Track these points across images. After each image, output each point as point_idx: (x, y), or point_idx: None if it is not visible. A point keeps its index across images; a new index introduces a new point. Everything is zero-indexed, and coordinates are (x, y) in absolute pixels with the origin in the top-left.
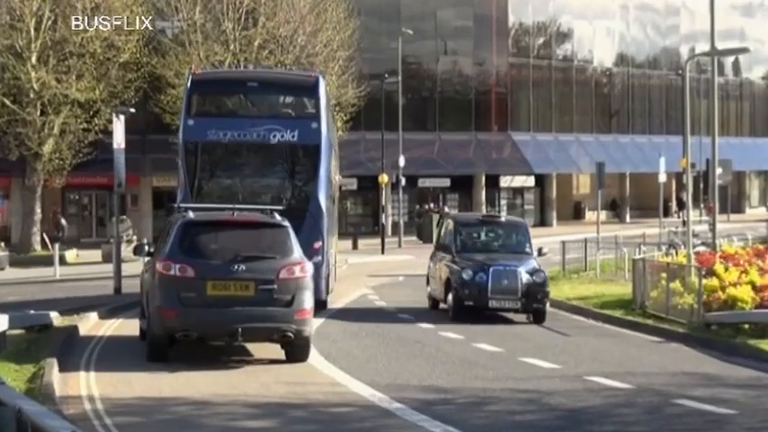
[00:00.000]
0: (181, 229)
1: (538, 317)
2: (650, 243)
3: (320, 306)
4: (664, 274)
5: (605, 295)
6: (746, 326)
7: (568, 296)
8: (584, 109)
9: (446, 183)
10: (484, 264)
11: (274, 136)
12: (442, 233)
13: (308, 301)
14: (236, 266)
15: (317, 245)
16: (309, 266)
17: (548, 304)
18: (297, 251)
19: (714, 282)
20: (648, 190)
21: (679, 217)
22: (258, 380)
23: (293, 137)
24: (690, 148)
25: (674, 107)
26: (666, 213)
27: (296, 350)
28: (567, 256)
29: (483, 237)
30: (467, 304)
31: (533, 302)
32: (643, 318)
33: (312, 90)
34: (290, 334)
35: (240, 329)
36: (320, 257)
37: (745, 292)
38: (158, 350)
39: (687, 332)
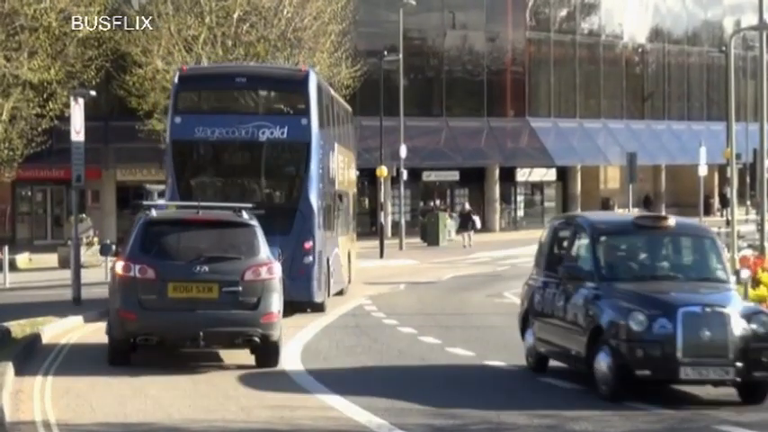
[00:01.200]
0: (142, 229)
1: (759, 392)
2: None
3: (317, 309)
4: None
5: None
6: None
7: None
8: (613, 92)
9: (454, 176)
10: (664, 302)
11: (263, 133)
12: (558, 244)
13: (275, 304)
14: (198, 267)
15: (308, 245)
16: (277, 267)
17: None
18: (264, 251)
19: (761, 291)
20: (687, 185)
21: (722, 216)
22: (238, 403)
23: (283, 134)
24: (734, 136)
25: (717, 89)
26: (708, 211)
27: (264, 355)
28: None
29: (643, 254)
30: (640, 374)
31: (755, 369)
32: None
33: (302, 85)
34: (256, 338)
35: (202, 333)
36: (311, 257)
37: None
38: (119, 354)
39: None
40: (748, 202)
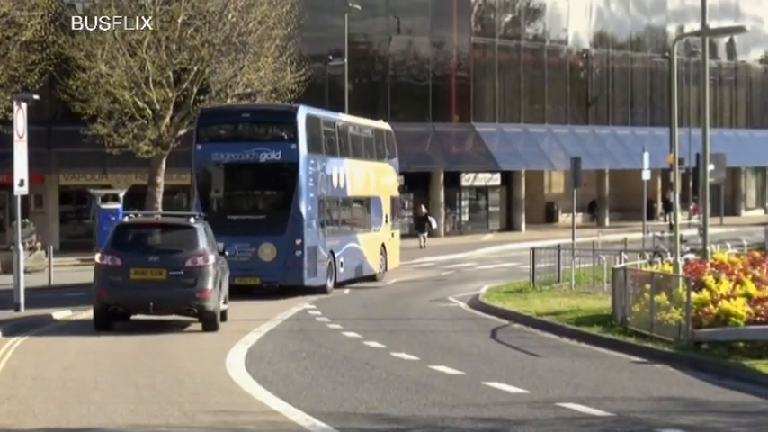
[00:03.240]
0: (114, 231)
1: None
2: (632, 250)
3: (320, 291)
4: (647, 286)
5: (581, 310)
6: (741, 344)
7: (539, 311)
8: (557, 97)
9: (400, 181)
10: None
11: (262, 156)
12: None
13: (209, 283)
14: (152, 257)
15: (298, 242)
16: (212, 257)
17: None
18: (202, 246)
19: (704, 294)
20: (631, 189)
21: (665, 220)
22: (182, 408)
23: (277, 156)
24: (678, 141)
25: (660, 95)
26: (651, 216)
27: (205, 321)
28: (537, 265)
29: None
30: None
31: None
32: (624, 335)
33: (292, 118)
34: (194, 308)
35: (152, 304)
36: (300, 252)
37: (739, 306)
38: (100, 321)
39: (674, 351)
40: (691, 207)
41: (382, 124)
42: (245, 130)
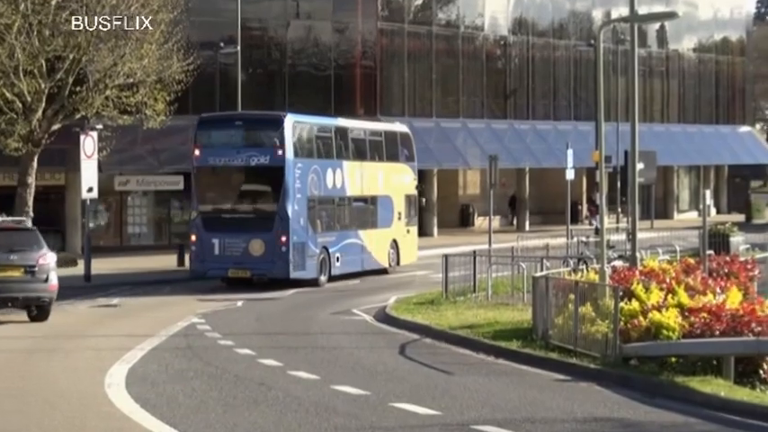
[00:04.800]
0: None
1: None
2: (555, 257)
3: (313, 284)
4: (571, 296)
5: (499, 323)
6: (673, 360)
7: (452, 324)
8: (472, 88)
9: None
10: None
11: (253, 160)
12: None
13: (56, 278)
14: (12, 256)
15: (284, 238)
16: (52, 256)
17: None
18: (45, 245)
19: (634, 305)
20: (553, 189)
21: (591, 224)
22: None
23: (266, 160)
24: (604, 137)
25: (585, 86)
26: (575, 219)
27: (46, 313)
28: (450, 274)
29: None
30: None
31: None
32: (545, 351)
33: (280, 125)
34: (46, 300)
35: (15, 298)
36: (286, 247)
37: (671, 318)
38: None
39: (600, 368)
40: (619, 210)
41: (398, 127)
42: (238, 136)
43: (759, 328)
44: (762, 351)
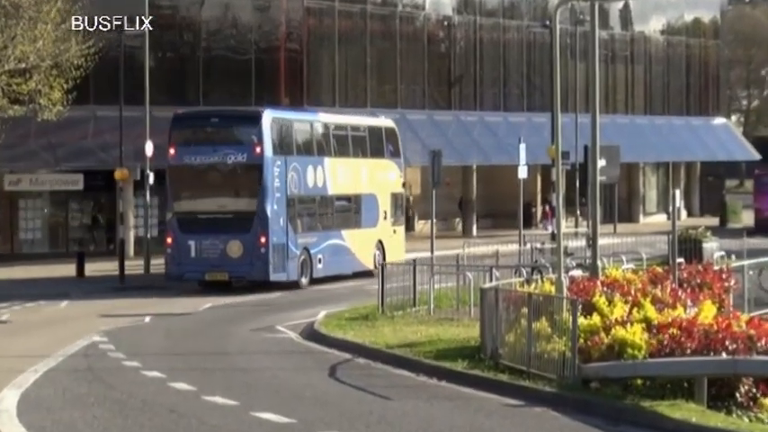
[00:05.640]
0: None
1: None
2: (506, 266)
3: (293, 287)
4: (524, 310)
5: (442, 341)
6: (639, 382)
7: (389, 342)
8: (412, 75)
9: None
10: None
11: (230, 158)
12: None
13: None
14: None
15: (263, 239)
16: None
17: None
18: None
19: (595, 320)
20: (504, 189)
21: (546, 228)
22: None
23: (243, 158)
24: (561, 130)
25: (540, 73)
26: (529, 222)
27: None
28: (387, 285)
29: None
30: None
31: None
32: (495, 372)
33: (257, 121)
34: None
35: None
36: (265, 249)
37: (636, 334)
38: None
39: (557, 391)
40: (578, 212)
41: (383, 122)
42: (214, 133)
43: (735, 346)
44: (738, 371)
